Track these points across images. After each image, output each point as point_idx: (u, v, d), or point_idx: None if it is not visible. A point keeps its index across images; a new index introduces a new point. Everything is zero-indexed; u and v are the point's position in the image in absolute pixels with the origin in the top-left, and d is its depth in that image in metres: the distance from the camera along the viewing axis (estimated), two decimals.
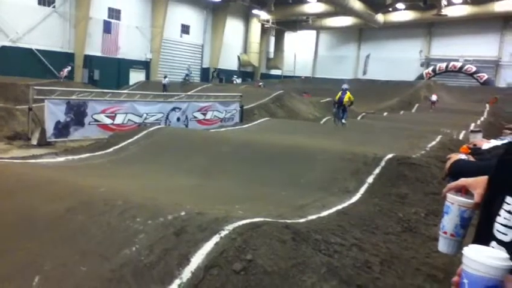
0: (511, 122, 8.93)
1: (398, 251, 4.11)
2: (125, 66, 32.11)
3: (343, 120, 14.83)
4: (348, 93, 15.20)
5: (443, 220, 1.39)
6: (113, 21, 31.25)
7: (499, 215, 1.13)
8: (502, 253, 1.01)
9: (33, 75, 21.67)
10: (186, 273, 2.95)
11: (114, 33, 31.33)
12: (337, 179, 6.18)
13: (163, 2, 33.72)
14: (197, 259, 3.02)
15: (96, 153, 7.98)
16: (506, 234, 1.12)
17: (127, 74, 32.35)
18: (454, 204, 1.36)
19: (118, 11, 31.75)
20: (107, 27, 30.84)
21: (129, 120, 11.87)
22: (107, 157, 7.80)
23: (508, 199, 1.12)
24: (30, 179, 5.12)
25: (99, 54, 30.45)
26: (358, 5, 38.34)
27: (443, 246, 1.40)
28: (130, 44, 32.27)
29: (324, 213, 4.60)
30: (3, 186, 4.73)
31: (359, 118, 18.71)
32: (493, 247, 1.11)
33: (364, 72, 44.14)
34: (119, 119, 11.67)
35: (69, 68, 26.72)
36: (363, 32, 47.99)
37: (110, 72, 30.30)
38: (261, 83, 33.57)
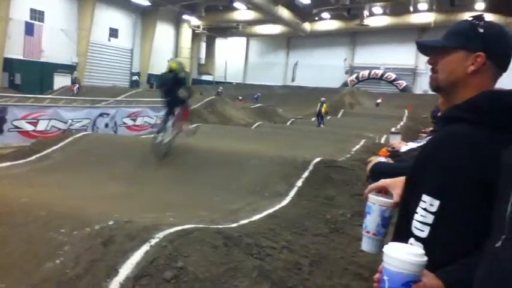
0: (428, 126, 9.56)
1: (327, 252, 4.25)
2: (49, 70, 30.55)
3: (322, 125, 18.93)
4: (325, 105, 20.26)
5: (366, 220, 1.44)
6: (35, 22, 29.62)
7: (416, 213, 1.20)
8: (419, 249, 1.08)
9: None
10: (115, 284, 2.87)
11: (37, 35, 29.71)
12: (268, 183, 6.28)
13: (90, 4, 32.52)
14: (126, 269, 2.94)
15: (18, 162, 7.53)
16: (422, 231, 1.19)
17: (51, 78, 30.78)
18: (376, 204, 1.42)
19: (41, 13, 30.15)
20: (29, 29, 29.17)
21: (52, 126, 11.31)
22: (29, 165, 7.39)
23: (425, 197, 1.20)
24: None
25: (20, 57, 28.71)
26: (286, 14, 39.34)
27: (366, 245, 1.45)
28: (55, 47, 30.74)
29: (256, 217, 4.67)
30: None
31: (288, 123, 19.13)
32: (411, 243, 1.19)
33: (293, 79, 45.27)
34: (41, 126, 11.08)
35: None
36: (291, 40, 49.25)
37: (33, 76, 28.66)
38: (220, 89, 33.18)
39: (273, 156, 7.37)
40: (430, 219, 1.18)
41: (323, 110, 20.13)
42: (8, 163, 7.52)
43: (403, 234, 1.24)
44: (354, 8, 39.49)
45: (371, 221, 1.42)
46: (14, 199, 4.40)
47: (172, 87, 7.80)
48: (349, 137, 11.83)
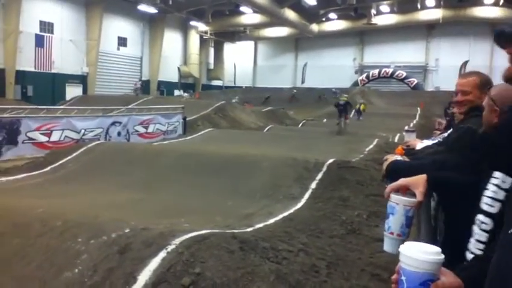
0: (441, 123, 9.47)
1: (344, 253, 4.22)
2: (60, 81, 30.89)
3: (361, 118, 22.97)
4: (363, 105, 24.77)
5: (389, 221, 1.41)
6: (45, 34, 29.99)
7: (487, 189, 1.19)
8: (435, 248, 1.06)
9: None
10: None
11: (47, 47, 30.08)
12: (281, 186, 6.26)
13: (98, 14, 32.84)
14: (144, 276, 2.95)
15: (33, 173, 7.59)
16: (493, 206, 1.18)
17: (63, 89, 31.12)
18: (399, 204, 1.38)
19: (50, 24, 30.53)
20: (39, 41, 29.55)
21: (66, 136, 11.38)
22: (44, 176, 7.45)
23: (497, 174, 1.19)
24: None
25: (32, 69, 29.08)
26: (292, 16, 39.33)
27: (389, 246, 1.42)
28: (65, 57, 31.09)
29: (271, 221, 4.65)
30: None
31: (300, 125, 19.10)
32: (479, 219, 1.17)
33: (303, 81, 45.18)
34: (55, 136, 11.16)
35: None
36: (299, 42, 49.23)
37: (45, 88, 29.01)
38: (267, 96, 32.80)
39: (285, 159, 7.35)
40: (501, 195, 1.17)
41: (362, 108, 24.20)
42: (24, 174, 7.60)
43: (463, 222, 1.21)
44: (361, 7, 39.33)
45: (394, 222, 1.38)
46: (30, 210, 4.43)
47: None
48: (362, 137, 11.77)
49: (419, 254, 1.03)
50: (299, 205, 5.46)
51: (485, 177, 1.23)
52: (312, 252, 4.03)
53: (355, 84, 43.53)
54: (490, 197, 1.21)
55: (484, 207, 1.20)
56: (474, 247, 1.19)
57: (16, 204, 4.96)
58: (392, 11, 40.93)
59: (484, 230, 1.17)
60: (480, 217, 1.20)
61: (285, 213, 5.02)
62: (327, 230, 4.71)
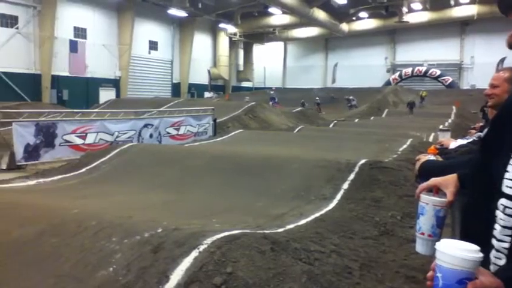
0: (478, 122, 9.21)
1: (377, 255, 4.14)
2: (94, 85, 31.71)
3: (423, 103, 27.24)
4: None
5: (419, 221, 1.39)
6: (79, 40, 30.85)
7: (507, 171, 1.14)
8: (473, 245, 1.04)
9: None
10: None
11: (81, 52, 30.93)
12: (312, 187, 6.21)
13: (129, 18, 33.53)
14: (176, 276, 2.97)
15: (69, 175, 7.79)
16: None
17: (96, 92, 31.93)
18: (429, 204, 1.37)
19: (84, 30, 31.39)
20: (73, 47, 30.43)
21: (100, 139, 11.66)
22: (79, 178, 7.63)
23: None
24: None
25: (66, 74, 29.97)
26: (322, 16, 39.09)
27: (421, 247, 1.40)
28: (98, 62, 31.90)
29: (302, 222, 4.61)
30: None
31: (331, 126, 18.93)
32: (502, 204, 1.13)
33: (333, 81, 44.85)
34: (90, 139, 11.45)
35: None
36: (329, 42, 48.91)
37: (79, 92, 29.86)
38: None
39: (316, 160, 7.28)
40: None
41: (423, 94, 29.65)
42: (60, 176, 7.81)
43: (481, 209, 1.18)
44: (392, 6, 38.75)
45: (425, 222, 1.38)
46: (66, 210, 4.54)
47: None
48: (395, 137, 11.56)
49: (457, 251, 1.00)
50: (331, 206, 5.39)
51: (503, 159, 1.17)
52: (344, 253, 3.97)
53: (387, 83, 42.89)
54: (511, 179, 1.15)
55: (507, 190, 1.14)
56: (501, 234, 1.13)
57: (53, 204, 5.10)
58: (424, 8, 40.11)
59: (509, 215, 1.11)
60: (503, 201, 1.14)
61: (317, 214, 4.96)
62: (359, 231, 4.64)
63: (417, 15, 40.81)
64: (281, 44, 51.51)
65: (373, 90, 32.74)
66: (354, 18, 43.72)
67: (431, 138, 12.37)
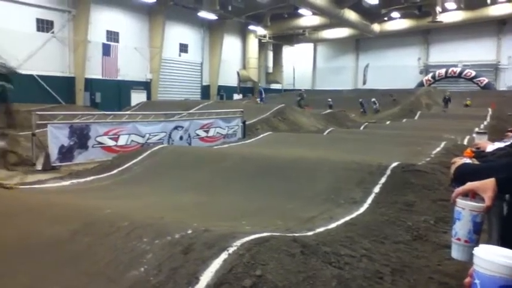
0: None
1: (409, 260, 4.06)
2: (125, 87, 32.34)
3: None
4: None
5: (455, 226, 1.36)
6: (111, 43, 31.56)
7: None
8: None
9: (35, 101, 21.81)
10: None
11: (113, 55, 31.62)
12: (342, 190, 6.14)
13: (160, 22, 34.06)
14: (206, 277, 2.98)
15: (101, 176, 7.97)
16: None
17: (128, 95, 32.56)
18: (465, 209, 1.34)
19: (116, 33, 32.07)
20: (106, 50, 31.13)
21: (132, 141, 11.88)
22: (111, 179, 7.79)
23: None
24: (34, 204, 5.11)
25: (99, 77, 30.70)
26: (353, 16, 38.70)
27: (457, 253, 1.37)
28: (130, 65, 32.53)
29: (332, 225, 4.56)
30: (7, 210, 4.72)
31: (361, 128, 18.70)
32: None
33: (364, 82, 44.31)
34: (122, 140, 11.68)
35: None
36: (360, 42, 48.36)
37: (111, 94, 30.51)
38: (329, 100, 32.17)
39: (346, 162, 7.20)
40: None
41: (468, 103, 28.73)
42: (93, 177, 7.99)
43: None
44: (425, 5, 37.95)
45: (461, 228, 1.34)
46: (99, 210, 4.63)
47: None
48: (428, 139, 11.31)
49: (496, 258, 0.98)
50: (361, 210, 5.32)
51: None
52: (375, 258, 3.90)
53: (420, 84, 42.06)
54: None
55: None
56: None
57: (86, 204, 5.21)
58: (459, 8, 39.12)
59: None
60: None
61: (347, 218, 4.90)
62: (391, 235, 4.55)
63: (451, 14, 39.86)
64: (311, 45, 51.27)
65: (405, 92, 32.14)
66: (385, 18, 43.08)
67: (466, 141, 12.05)
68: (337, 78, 47.78)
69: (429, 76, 43.95)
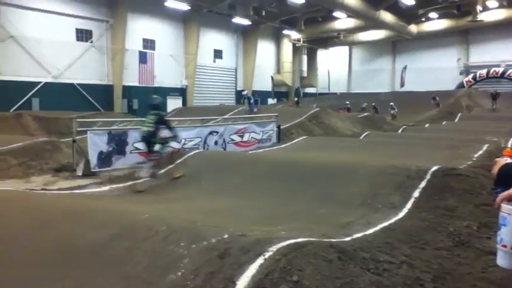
0: None
1: (451, 267, 3.92)
2: (161, 94, 32.84)
3: None
4: None
5: (501, 232, 1.30)
6: (147, 51, 32.23)
7: None
8: None
9: (75, 109, 22.54)
10: None
11: (150, 62, 32.26)
12: (380, 195, 6.01)
13: (195, 29, 34.53)
14: (243, 282, 2.97)
15: (139, 181, 8.11)
16: None
17: (164, 101, 33.14)
18: (511, 215, 1.27)
19: (152, 41, 32.74)
20: (143, 58, 31.81)
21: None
22: (148, 184, 7.91)
23: None
24: (75, 208, 5.25)
25: (136, 84, 31.39)
26: (389, 18, 38.02)
27: (503, 260, 1.31)
28: (166, 72, 33.10)
29: (370, 231, 4.46)
30: (49, 216, 4.86)
31: (400, 131, 18.32)
32: None
33: (402, 84, 43.43)
34: (158, 146, 11.84)
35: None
36: (397, 44, 47.47)
37: (148, 101, 31.08)
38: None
39: (383, 166, 7.05)
40: None
41: None
42: (130, 182, 8.14)
43: None
44: (465, 4, 36.84)
45: (507, 234, 1.28)
46: (137, 215, 4.71)
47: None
48: (470, 142, 10.95)
49: None
50: (400, 215, 5.18)
51: None
52: (415, 264, 3.79)
53: (460, 86, 40.83)
54: None
55: None
56: None
57: (125, 209, 5.32)
58: (501, 6, 37.75)
59: None
60: None
61: (385, 223, 4.79)
62: (432, 241, 4.41)
63: (493, 13, 38.51)
64: (346, 48, 50.76)
65: (445, 94, 31.27)
66: (423, 19, 42.11)
67: (510, 144, 11.60)
68: (374, 81, 47.06)
69: (470, 77, 42.63)
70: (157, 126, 8.07)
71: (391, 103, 28.42)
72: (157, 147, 8.24)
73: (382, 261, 3.65)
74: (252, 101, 23.97)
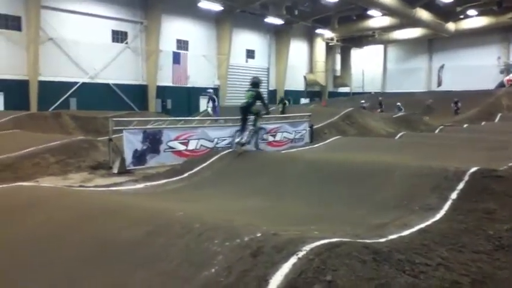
0: None
1: (491, 271, 3.79)
2: (194, 94, 33.31)
3: None
4: None
5: None
6: (181, 51, 32.68)
7: None
8: None
9: (110, 108, 23.08)
10: None
11: (183, 63, 32.71)
12: (416, 196, 5.87)
13: (228, 29, 34.75)
14: (276, 280, 2.97)
15: (172, 179, 8.23)
16: None
17: (197, 101, 33.51)
18: None
19: (186, 42, 33.19)
20: (176, 58, 32.30)
21: (201, 145, 12.18)
22: (182, 182, 8.02)
23: None
24: (112, 206, 5.36)
25: (170, 84, 31.88)
26: (426, 15, 37.16)
27: None
28: (199, 72, 33.48)
29: (405, 232, 4.37)
30: (87, 212, 4.98)
31: (437, 131, 17.87)
32: None
33: (439, 84, 42.41)
34: (191, 145, 12.01)
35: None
36: (434, 42, 46.40)
37: (182, 101, 31.57)
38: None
39: (419, 167, 6.88)
40: None
41: None
42: (164, 180, 8.27)
43: None
44: (506, 0, 35.56)
45: None
46: (171, 212, 4.77)
47: None
48: (511, 143, 10.57)
49: None
50: (437, 217, 5.05)
51: None
52: (453, 267, 3.69)
53: (501, 85, 39.51)
54: None
55: None
56: None
57: (159, 207, 5.40)
58: None
59: None
60: None
61: (422, 225, 4.67)
62: (470, 244, 4.28)
63: None
64: (380, 47, 49.95)
65: (484, 93, 30.31)
66: (461, 16, 40.97)
67: None
68: (409, 80, 46.15)
69: (510, 76, 41.19)
70: (254, 100, 9.90)
71: (398, 103, 27.95)
72: (251, 118, 10.34)
73: (418, 263, 3.58)
74: (216, 102, 20.56)
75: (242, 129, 10.20)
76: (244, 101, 10.01)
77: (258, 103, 10.20)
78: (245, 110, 10.05)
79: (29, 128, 15.24)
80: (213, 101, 20.61)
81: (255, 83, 10.23)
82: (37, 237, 4.55)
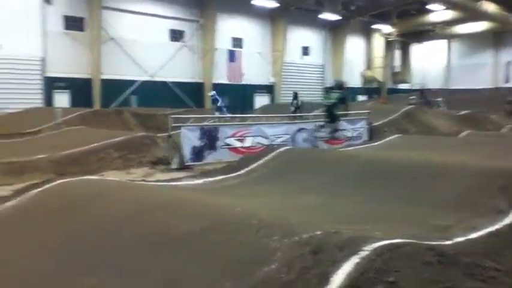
0: None
1: None
2: (249, 91, 33.58)
3: None
4: None
5: None
6: (236, 49, 33.04)
7: None
8: None
9: (168, 105, 23.76)
10: None
11: (238, 60, 33.07)
12: (482, 197, 5.58)
13: (282, 26, 34.70)
14: (337, 279, 2.92)
15: (230, 175, 8.31)
16: None
17: (252, 98, 33.76)
18: None
19: (240, 40, 33.51)
20: (231, 56, 32.72)
21: (257, 142, 12.27)
22: (239, 178, 8.09)
23: None
24: (169, 200, 5.49)
25: (225, 81, 32.31)
26: (492, 8, 35.31)
27: None
28: (253, 69, 33.71)
29: (473, 235, 4.16)
30: (148, 206, 5.13)
31: (503, 130, 16.95)
32: None
33: (507, 80, 40.19)
34: (247, 142, 12.12)
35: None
36: (501, 36, 43.90)
37: (237, 98, 31.93)
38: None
39: (485, 167, 6.54)
40: None
41: None
42: (221, 176, 8.37)
43: None
44: None
45: None
46: (229, 208, 4.82)
47: None
48: None
49: None
50: (508, 220, 4.77)
51: None
52: None
53: None
54: None
55: None
56: None
57: (217, 202, 5.47)
58: None
59: None
60: None
61: (491, 228, 4.43)
62: None
63: None
64: (441, 42, 48.02)
65: None
66: None
67: None
68: (474, 76, 44.02)
69: None
70: (338, 101, 10.87)
71: (440, 98, 26.76)
72: (332, 119, 11.11)
73: (487, 268, 3.41)
74: (220, 103, 19.93)
75: (326, 126, 11.26)
76: (330, 101, 10.90)
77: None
78: (328, 109, 10.90)
79: (93, 124, 16.01)
80: (216, 101, 20.39)
81: (340, 85, 11.16)
82: (102, 227, 4.75)
